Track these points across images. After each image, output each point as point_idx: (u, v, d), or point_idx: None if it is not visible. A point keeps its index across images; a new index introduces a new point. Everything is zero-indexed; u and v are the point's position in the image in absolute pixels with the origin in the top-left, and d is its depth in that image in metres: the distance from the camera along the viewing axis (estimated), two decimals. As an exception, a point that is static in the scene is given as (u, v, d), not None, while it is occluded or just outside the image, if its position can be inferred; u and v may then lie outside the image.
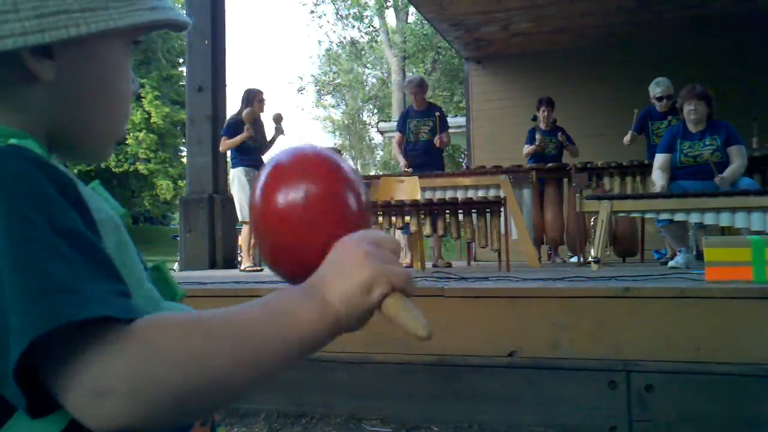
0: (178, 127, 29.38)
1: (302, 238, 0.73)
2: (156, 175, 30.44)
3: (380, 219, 5.78)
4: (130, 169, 29.56)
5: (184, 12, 8.29)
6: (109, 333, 0.58)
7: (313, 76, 32.67)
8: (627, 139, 7.14)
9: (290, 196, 0.73)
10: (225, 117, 7.55)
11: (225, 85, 8.00)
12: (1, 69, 0.71)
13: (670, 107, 6.78)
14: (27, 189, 0.61)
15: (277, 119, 7.12)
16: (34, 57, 0.70)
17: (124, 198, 30.90)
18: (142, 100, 28.80)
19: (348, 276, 0.69)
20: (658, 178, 5.90)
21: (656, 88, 6.91)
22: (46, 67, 0.71)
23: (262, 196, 0.75)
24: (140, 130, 28.93)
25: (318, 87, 32.34)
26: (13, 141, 0.67)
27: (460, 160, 23.39)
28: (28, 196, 0.61)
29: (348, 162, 0.78)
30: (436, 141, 7.21)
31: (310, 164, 0.76)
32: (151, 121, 29.27)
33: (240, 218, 7.18)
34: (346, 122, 32.92)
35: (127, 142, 28.12)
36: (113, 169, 28.30)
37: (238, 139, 6.91)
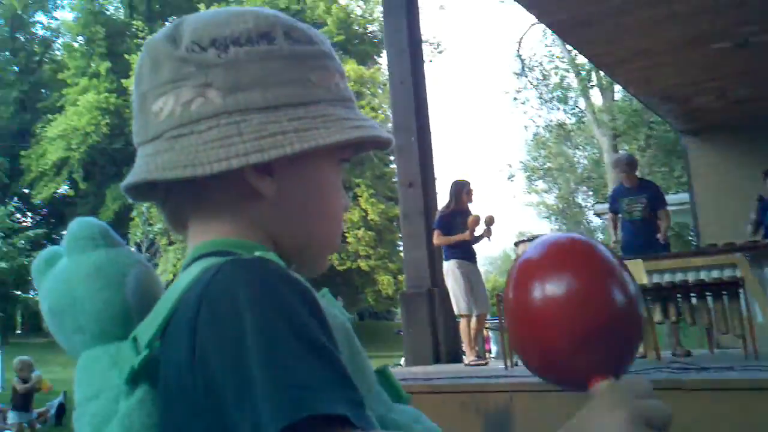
0: (394, 223, 30.46)
1: (559, 338, 0.68)
2: (377, 270, 31.51)
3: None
4: (353, 267, 30.86)
5: (390, 111, 8.67)
6: None
7: (521, 162, 32.72)
8: None
9: (544, 290, 0.69)
10: (437, 210, 7.68)
11: (434, 179, 8.17)
12: (232, 187, 0.80)
13: None
14: (273, 298, 0.66)
15: (489, 221, 7.14)
16: (256, 175, 0.80)
17: (350, 295, 32.27)
18: (359, 198, 30.27)
19: None
20: None
21: None
22: (267, 185, 0.81)
23: (515, 289, 0.72)
24: (359, 228, 30.28)
25: (528, 173, 32.28)
26: (258, 253, 0.73)
27: (689, 238, 22.06)
28: (275, 304, 0.65)
29: (607, 248, 0.72)
30: (660, 237, 6.93)
31: (568, 255, 0.71)
32: (369, 218, 30.59)
33: (456, 311, 7.05)
34: (560, 206, 32.46)
35: (347, 240, 29.49)
36: (337, 268, 29.70)
37: (454, 238, 6.94)
